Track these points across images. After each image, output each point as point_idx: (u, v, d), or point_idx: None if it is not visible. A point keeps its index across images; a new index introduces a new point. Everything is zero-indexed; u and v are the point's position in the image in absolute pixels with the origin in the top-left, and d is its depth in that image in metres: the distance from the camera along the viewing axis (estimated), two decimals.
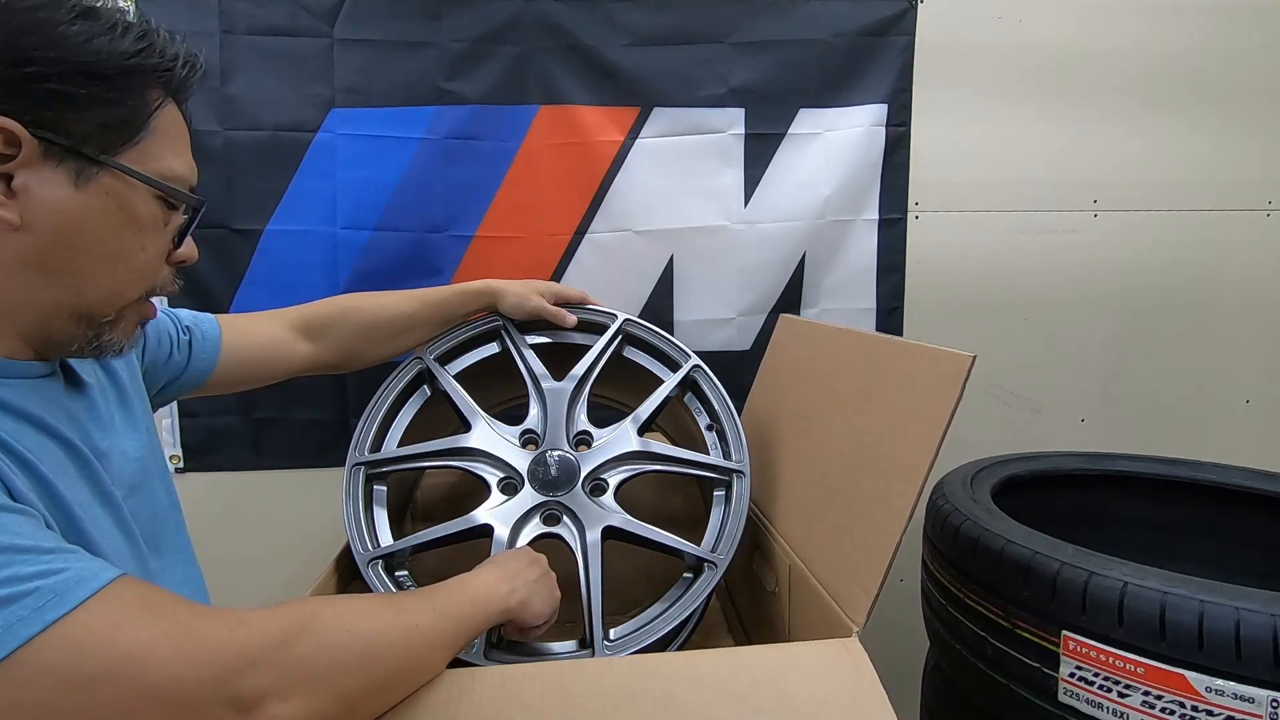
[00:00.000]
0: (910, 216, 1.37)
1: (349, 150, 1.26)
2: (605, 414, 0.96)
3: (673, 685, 0.56)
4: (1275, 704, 0.63)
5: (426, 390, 0.96)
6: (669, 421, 1.11)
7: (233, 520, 1.32)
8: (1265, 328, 1.44)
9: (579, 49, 1.29)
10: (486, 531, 0.83)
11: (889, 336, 0.91)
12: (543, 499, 0.85)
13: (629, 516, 0.84)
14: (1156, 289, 1.42)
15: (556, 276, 1.33)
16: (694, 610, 0.79)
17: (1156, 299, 1.42)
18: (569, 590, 0.77)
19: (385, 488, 0.90)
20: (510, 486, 0.87)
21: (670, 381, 0.93)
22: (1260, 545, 1.05)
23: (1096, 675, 0.72)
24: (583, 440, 0.91)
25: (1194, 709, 0.67)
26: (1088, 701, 0.73)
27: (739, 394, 1.01)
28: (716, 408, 0.92)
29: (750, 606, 1.00)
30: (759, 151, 1.33)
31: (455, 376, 0.94)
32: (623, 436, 0.90)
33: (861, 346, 0.85)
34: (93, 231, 0.50)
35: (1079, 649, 0.74)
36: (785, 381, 1.05)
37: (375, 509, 0.89)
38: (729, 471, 0.88)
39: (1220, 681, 0.66)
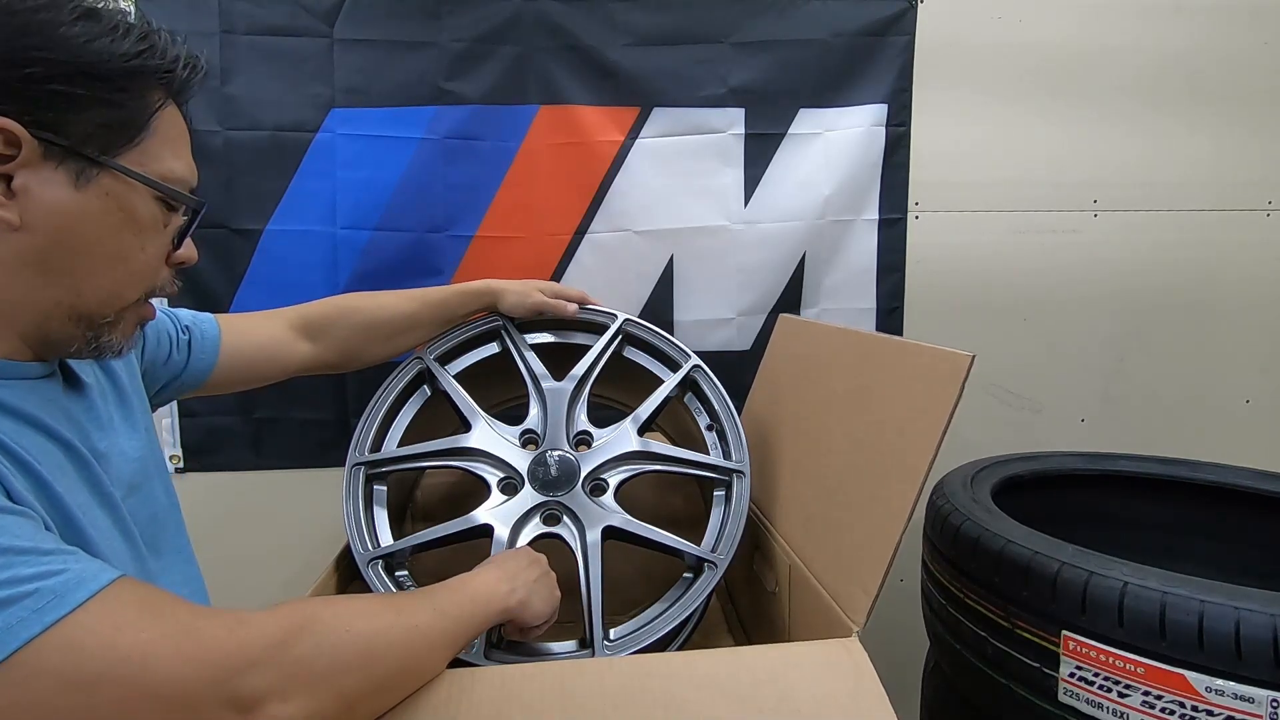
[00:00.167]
0: (910, 216, 1.37)
1: (349, 150, 1.26)
2: (605, 414, 0.96)
3: (673, 685, 0.56)
4: (1275, 704, 0.63)
5: (426, 390, 0.96)
6: (669, 421, 1.11)
7: (233, 520, 1.32)
8: (1265, 328, 1.44)
9: (579, 49, 1.29)
10: (486, 531, 0.83)
11: (889, 336, 0.91)
12: (543, 499, 0.85)
13: (629, 516, 0.84)
14: (1156, 289, 1.42)
15: (556, 276, 1.33)
16: (694, 610, 0.79)
17: (1156, 299, 1.42)
18: (569, 590, 0.77)
19: (385, 488, 0.90)
20: (510, 486, 0.87)
21: (670, 381, 0.93)
22: (1260, 545, 1.05)
23: (1096, 675, 0.72)
24: (583, 440, 0.91)
25: (1194, 709, 0.67)
26: (1088, 701, 0.73)
27: (739, 394, 1.01)
28: (716, 408, 0.92)
29: (750, 606, 1.00)
30: (759, 151, 1.33)
31: (455, 376, 0.94)
32: (623, 436, 0.90)
33: (861, 346, 0.85)
34: (92, 232, 0.50)
35: (1079, 649, 0.74)
36: (785, 381, 1.05)
37: (375, 509, 0.89)
38: (729, 471, 0.88)
39: (1220, 681, 0.66)
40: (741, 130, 1.32)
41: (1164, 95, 1.37)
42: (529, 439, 0.91)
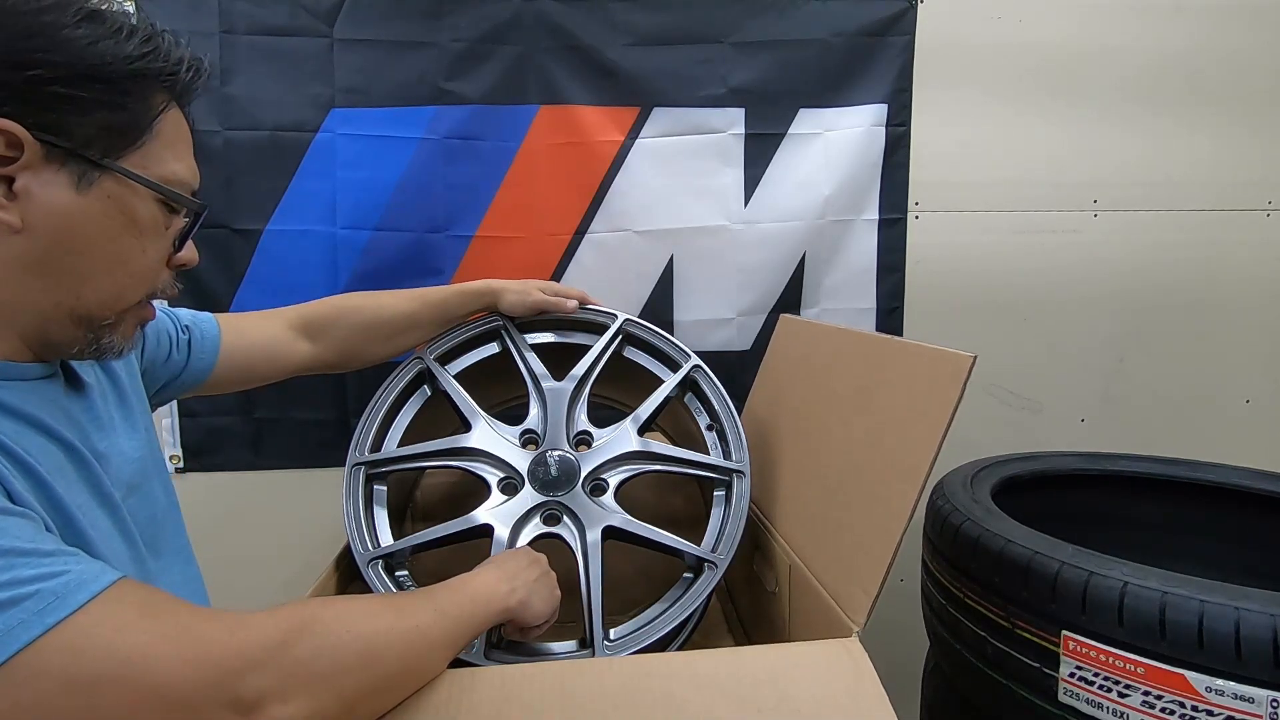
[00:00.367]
0: (910, 216, 1.37)
1: (349, 150, 1.26)
2: (605, 414, 0.96)
3: (673, 685, 0.56)
4: (1275, 704, 0.63)
5: (426, 390, 0.96)
6: (669, 421, 1.11)
7: (233, 520, 1.32)
8: (1265, 328, 1.44)
9: (579, 49, 1.29)
10: (486, 531, 0.83)
11: (889, 336, 0.91)
12: (543, 499, 0.85)
13: (629, 516, 0.84)
14: (1156, 289, 1.42)
15: (556, 276, 1.33)
16: (694, 610, 0.79)
17: (1157, 299, 1.43)
18: (569, 590, 0.77)
19: (385, 488, 0.90)
20: (510, 486, 0.87)
21: (670, 381, 0.93)
22: (1260, 545, 1.05)
23: (1096, 675, 0.72)
24: (583, 440, 0.91)
25: (1194, 709, 0.67)
26: (1088, 701, 0.73)
27: (739, 394, 1.01)
28: (716, 408, 0.92)
29: (750, 606, 1.00)
30: (759, 151, 1.33)
31: (455, 376, 0.94)
32: (623, 436, 0.90)
33: (862, 346, 0.85)
34: (93, 235, 0.50)
35: (1079, 649, 0.74)
36: (785, 381, 1.05)
37: (375, 509, 0.89)
38: (729, 471, 0.88)
39: (1220, 681, 0.66)
40: (741, 130, 1.33)
41: (1164, 95, 1.37)
42: (529, 439, 0.91)
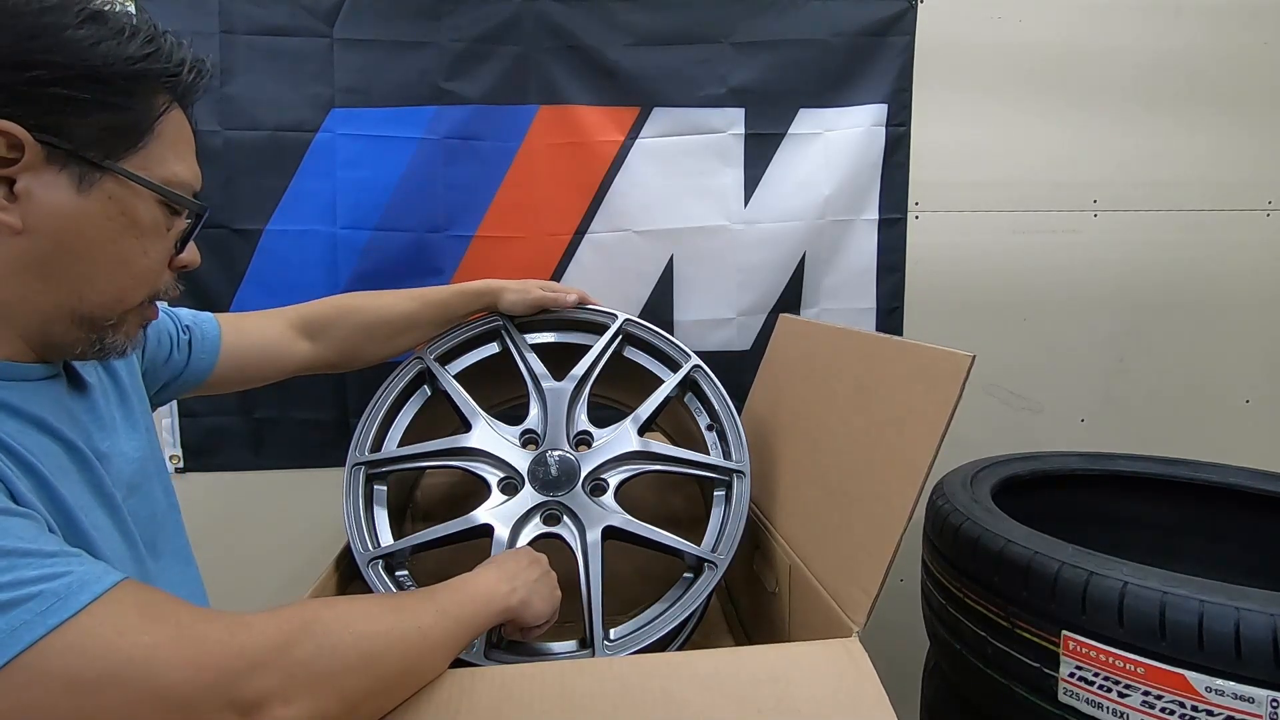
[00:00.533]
0: (910, 216, 1.37)
1: (349, 150, 1.26)
2: (605, 414, 0.96)
3: (673, 685, 0.56)
4: (1275, 704, 0.63)
5: (427, 390, 0.96)
6: (669, 421, 1.11)
7: (233, 520, 1.32)
8: (1265, 328, 1.44)
9: (579, 49, 1.29)
10: (487, 531, 0.83)
11: (889, 336, 0.91)
12: (543, 499, 0.85)
13: (629, 516, 0.84)
14: (1156, 289, 1.42)
15: (556, 276, 1.33)
16: (694, 610, 0.79)
17: (1156, 299, 1.43)
18: (569, 590, 0.77)
19: (385, 487, 0.90)
20: (510, 486, 0.87)
21: (670, 381, 0.93)
22: (1260, 545, 1.05)
23: (1096, 675, 0.72)
24: (583, 440, 0.91)
25: (1194, 709, 0.67)
26: (1088, 701, 0.73)
27: (739, 394, 1.01)
28: (716, 408, 0.92)
29: (750, 606, 1.00)
30: (759, 151, 1.33)
31: (455, 376, 0.94)
32: (623, 436, 0.90)
33: (861, 346, 0.85)
34: (94, 236, 0.50)
35: (1079, 649, 0.74)
36: (785, 381, 1.05)
37: (375, 509, 0.89)
38: (729, 471, 0.88)
39: (1220, 681, 0.66)
40: (741, 130, 1.32)
41: (1164, 95, 1.37)
42: (529, 439, 0.91)
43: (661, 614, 0.79)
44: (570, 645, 0.80)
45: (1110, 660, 0.71)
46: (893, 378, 0.73)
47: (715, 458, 0.90)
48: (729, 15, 1.30)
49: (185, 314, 0.77)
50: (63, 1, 0.47)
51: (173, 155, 0.53)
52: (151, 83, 0.51)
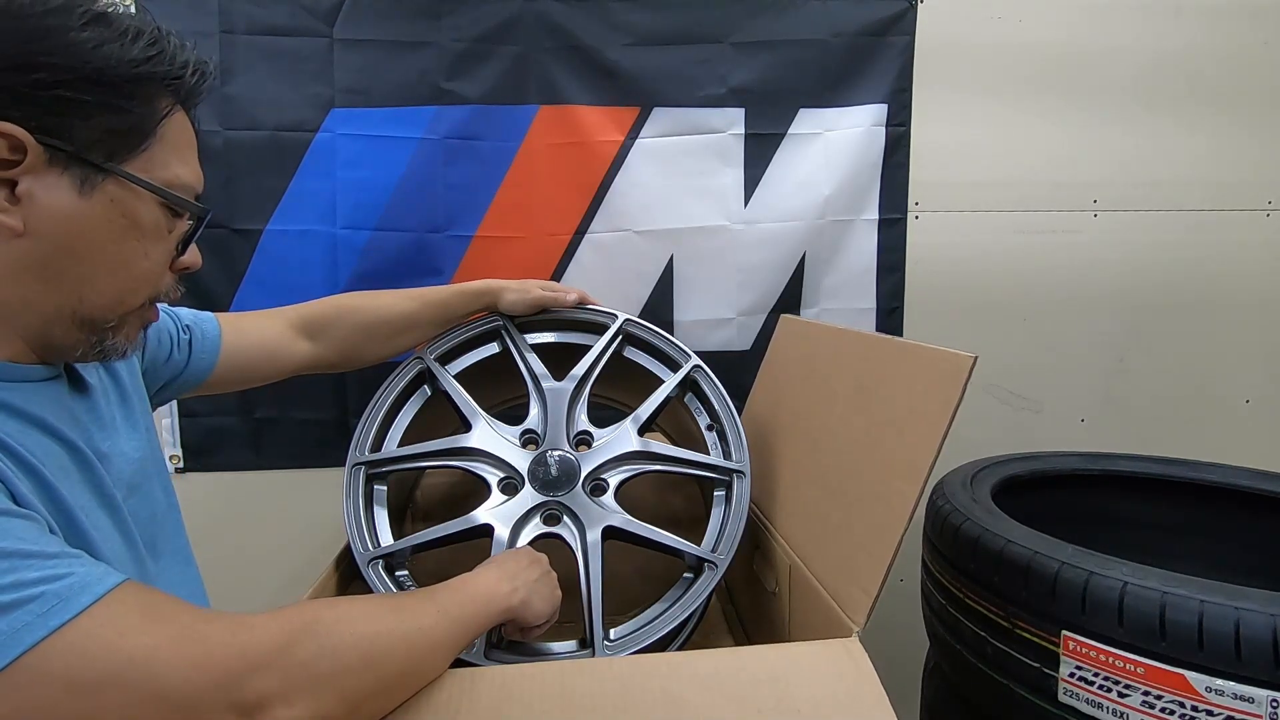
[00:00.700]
0: (910, 216, 1.37)
1: (349, 150, 1.26)
2: (605, 414, 0.96)
3: (673, 685, 0.56)
4: (1275, 704, 0.63)
5: (427, 390, 0.96)
6: (669, 421, 1.11)
7: (233, 520, 1.32)
8: (1265, 328, 1.44)
9: (579, 49, 1.29)
10: (487, 531, 0.83)
11: (889, 336, 0.91)
12: (543, 499, 0.85)
13: (629, 516, 0.84)
14: (1156, 289, 1.42)
15: (556, 276, 1.33)
16: (694, 610, 0.79)
17: (1156, 299, 1.43)
18: (569, 590, 0.77)
19: (385, 487, 0.90)
20: (510, 486, 0.87)
21: (670, 381, 0.93)
22: (1260, 545, 1.05)
23: (1096, 675, 0.72)
24: (583, 440, 0.91)
25: (1194, 709, 0.67)
26: (1088, 701, 0.73)
27: (739, 394, 1.01)
28: (717, 408, 0.92)
29: (750, 606, 1.00)
30: (759, 151, 1.33)
31: (455, 376, 0.94)
32: (623, 436, 0.90)
33: (862, 346, 0.85)
34: (96, 238, 0.50)
35: (1079, 649, 0.74)
36: (785, 381, 1.05)
37: (375, 509, 0.89)
38: (729, 471, 0.88)
39: (1220, 681, 0.66)
40: (741, 130, 1.32)
41: (1164, 95, 1.37)
42: (529, 439, 0.91)
43: (661, 614, 0.79)
44: (570, 645, 0.80)
45: (1110, 660, 0.71)
46: (893, 378, 0.73)
47: (715, 458, 0.90)
48: (729, 15, 1.30)
49: (185, 314, 0.77)
50: (66, 4, 0.47)
51: (175, 158, 0.53)
52: (154, 85, 0.51)
